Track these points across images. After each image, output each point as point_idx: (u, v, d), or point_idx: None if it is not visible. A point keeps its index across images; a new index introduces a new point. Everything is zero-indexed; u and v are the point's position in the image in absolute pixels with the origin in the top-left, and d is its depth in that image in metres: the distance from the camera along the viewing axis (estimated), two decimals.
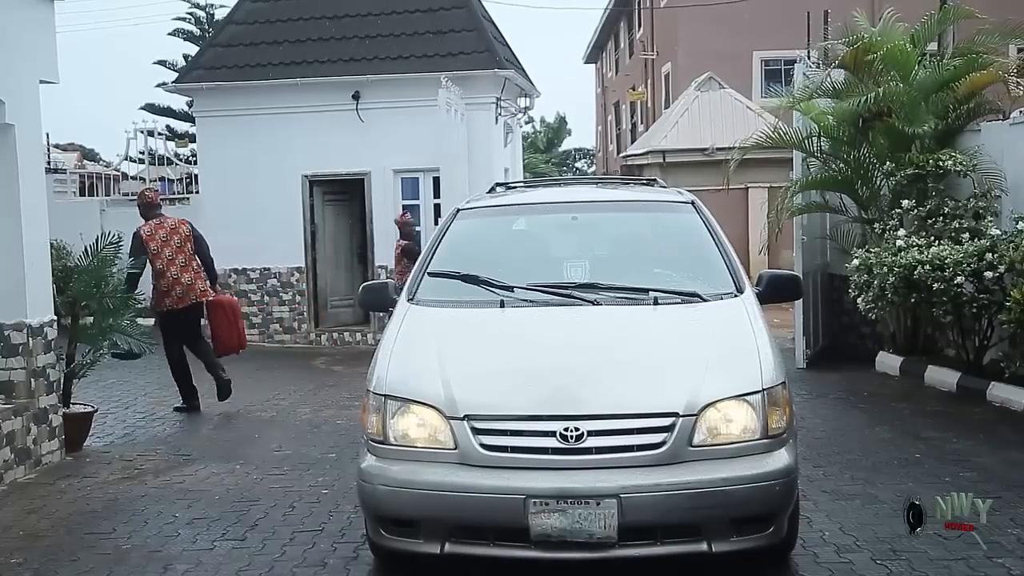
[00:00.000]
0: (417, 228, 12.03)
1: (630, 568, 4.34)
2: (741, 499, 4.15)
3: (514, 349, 4.71)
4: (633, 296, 4.95)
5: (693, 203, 5.82)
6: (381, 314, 8.66)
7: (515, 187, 7.29)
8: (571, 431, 4.12)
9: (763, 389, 4.30)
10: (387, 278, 11.46)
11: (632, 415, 4.21)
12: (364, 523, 4.71)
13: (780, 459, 4.25)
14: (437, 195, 13.24)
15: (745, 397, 4.28)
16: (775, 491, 4.21)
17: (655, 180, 7.40)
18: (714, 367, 4.39)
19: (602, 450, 4.14)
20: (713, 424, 4.22)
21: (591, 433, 4.13)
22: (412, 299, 5.13)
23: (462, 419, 4.22)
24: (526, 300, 4.98)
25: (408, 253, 11.68)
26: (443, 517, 4.23)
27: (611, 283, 5.04)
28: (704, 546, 4.17)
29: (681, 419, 4.15)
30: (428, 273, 5.30)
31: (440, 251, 5.49)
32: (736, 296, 4.97)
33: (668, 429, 4.15)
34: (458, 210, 5.95)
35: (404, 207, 13.58)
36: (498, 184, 7.43)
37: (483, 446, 4.19)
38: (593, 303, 4.89)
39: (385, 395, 4.42)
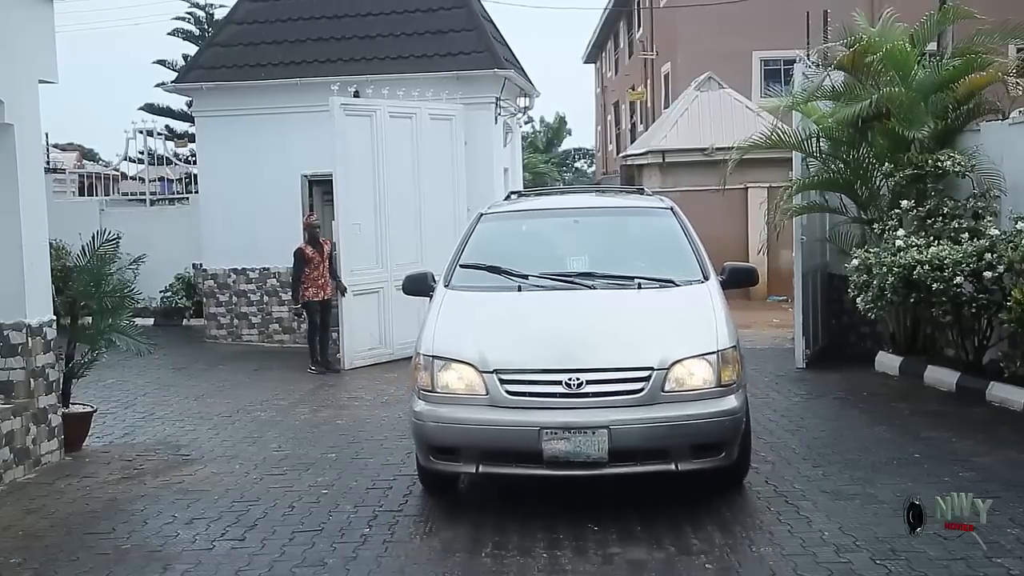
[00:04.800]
0: (319, 226, 12.09)
1: (617, 482, 5.70)
2: (700, 431, 5.49)
3: (529, 321, 6.03)
4: (621, 282, 6.27)
5: (672, 208, 7.15)
6: None
7: (527, 194, 8.81)
8: (573, 380, 5.45)
9: (718, 350, 5.61)
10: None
11: (619, 368, 5.53)
12: (415, 454, 6.06)
13: (730, 402, 5.56)
14: None
15: (704, 356, 5.59)
16: (725, 425, 5.53)
17: (643, 188, 9.34)
18: (682, 334, 5.76)
19: (597, 395, 5.47)
20: (679, 376, 5.52)
21: (588, 382, 5.46)
22: (448, 285, 6.48)
23: (492, 372, 5.55)
24: (538, 285, 6.31)
25: (300, 258, 11.58)
26: (477, 445, 5.56)
27: (605, 272, 6.37)
28: (672, 466, 5.48)
29: (656, 372, 5.47)
30: (460, 265, 6.64)
31: (468, 248, 6.82)
32: (702, 283, 6.29)
33: (646, 379, 5.47)
34: (481, 214, 7.30)
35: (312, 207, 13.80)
36: (513, 192, 8.92)
37: (508, 392, 5.52)
38: (590, 287, 6.23)
39: (433, 356, 5.75)
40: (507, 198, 8.31)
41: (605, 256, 6.69)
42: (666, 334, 5.74)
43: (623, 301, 6.14)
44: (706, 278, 6.31)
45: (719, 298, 6.10)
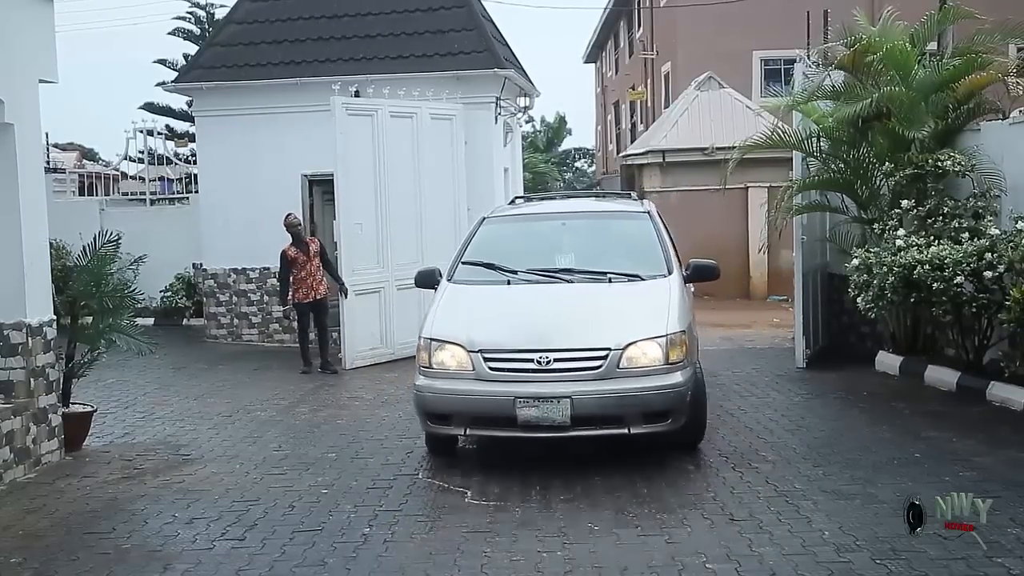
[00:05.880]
0: (299, 225, 12.09)
1: (579, 443, 6.73)
2: (649, 401, 6.46)
3: (513, 310, 7.15)
4: (596, 276, 7.35)
5: (649, 212, 8.22)
6: None
7: (529, 199, 10.11)
8: (543, 358, 6.49)
9: (667, 334, 6.60)
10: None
11: (581, 349, 6.55)
12: (418, 419, 7.07)
13: (675, 377, 6.54)
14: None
15: (655, 339, 6.58)
16: (671, 396, 6.50)
17: (631, 193, 10.84)
18: (638, 320, 6.74)
19: (562, 370, 6.48)
20: (633, 355, 6.52)
21: (556, 360, 6.48)
22: (450, 279, 7.58)
23: (477, 352, 6.61)
24: (525, 280, 7.38)
25: (283, 260, 11.60)
26: (465, 411, 6.66)
27: (583, 268, 7.47)
28: (626, 430, 6.48)
29: (612, 352, 6.47)
30: (462, 262, 7.76)
31: (471, 247, 7.92)
32: (665, 277, 7.30)
33: (604, 358, 6.46)
34: (484, 218, 8.49)
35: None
36: (517, 197, 10.40)
37: (490, 368, 6.58)
38: (568, 281, 7.34)
39: (431, 339, 6.84)
40: (511, 202, 9.77)
41: (587, 254, 7.75)
42: (625, 320, 6.75)
43: (594, 292, 7.23)
44: (670, 273, 7.36)
45: (677, 290, 7.13)
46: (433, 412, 6.78)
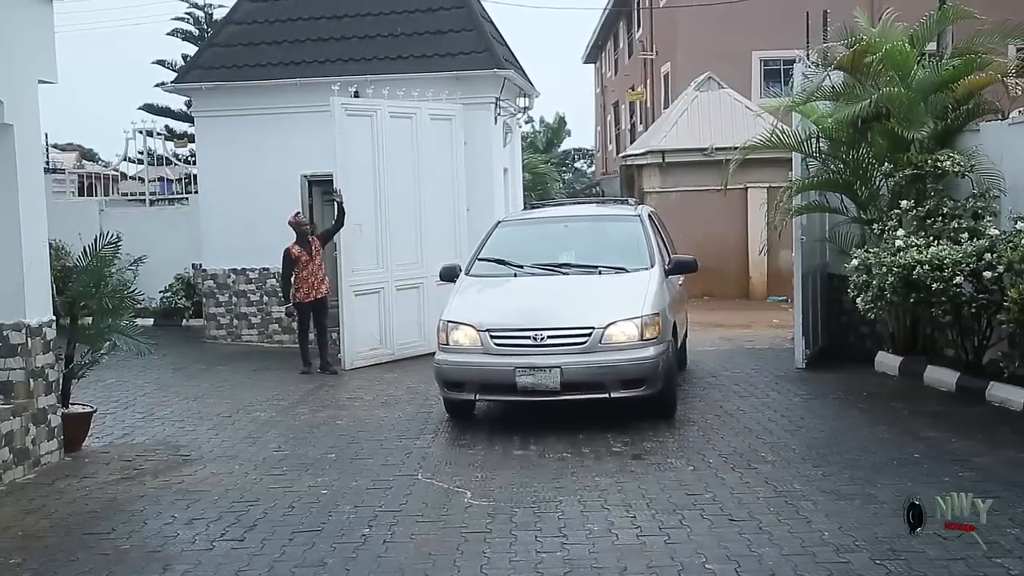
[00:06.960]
0: (307, 225, 12.14)
1: (569, 406, 7.94)
2: (625, 370, 7.73)
3: (516, 297, 8.55)
4: (588, 269, 8.72)
5: (639, 216, 9.55)
6: None
7: (538, 206, 12.17)
8: (538, 336, 7.80)
9: (641, 316, 7.89)
10: None
11: (570, 328, 7.83)
12: (438, 387, 8.44)
13: (648, 352, 7.81)
14: None
15: (632, 319, 7.87)
16: (645, 367, 7.76)
17: (627, 199, 12.55)
18: (618, 304, 8.02)
19: (554, 345, 7.78)
20: (612, 333, 7.80)
21: (549, 337, 7.79)
22: (468, 273, 9.02)
23: (485, 331, 7.96)
24: (529, 273, 8.79)
25: (287, 258, 11.65)
26: (475, 380, 8.02)
27: (578, 263, 8.86)
28: (607, 395, 7.79)
29: (595, 330, 7.77)
30: (478, 259, 9.22)
31: (487, 246, 9.38)
32: (647, 270, 8.57)
33: (588, 335, 7.77)
34: (499, 222, 10.08)
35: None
36: (530, 204, 12.88)
37: (495, 344, 7.92)
38: (565, 274, 8.74)
39: (449, 321, 8.23)
40: (525, 208, 11.69)
41: (583, 251, 9.08)
42: (608, 304, 8.01)
43: (585, 282, 8.55)
44: (652, 266, 8.63)
45: (656, 280, 8.41)
46: (449, 381, 8.15)
